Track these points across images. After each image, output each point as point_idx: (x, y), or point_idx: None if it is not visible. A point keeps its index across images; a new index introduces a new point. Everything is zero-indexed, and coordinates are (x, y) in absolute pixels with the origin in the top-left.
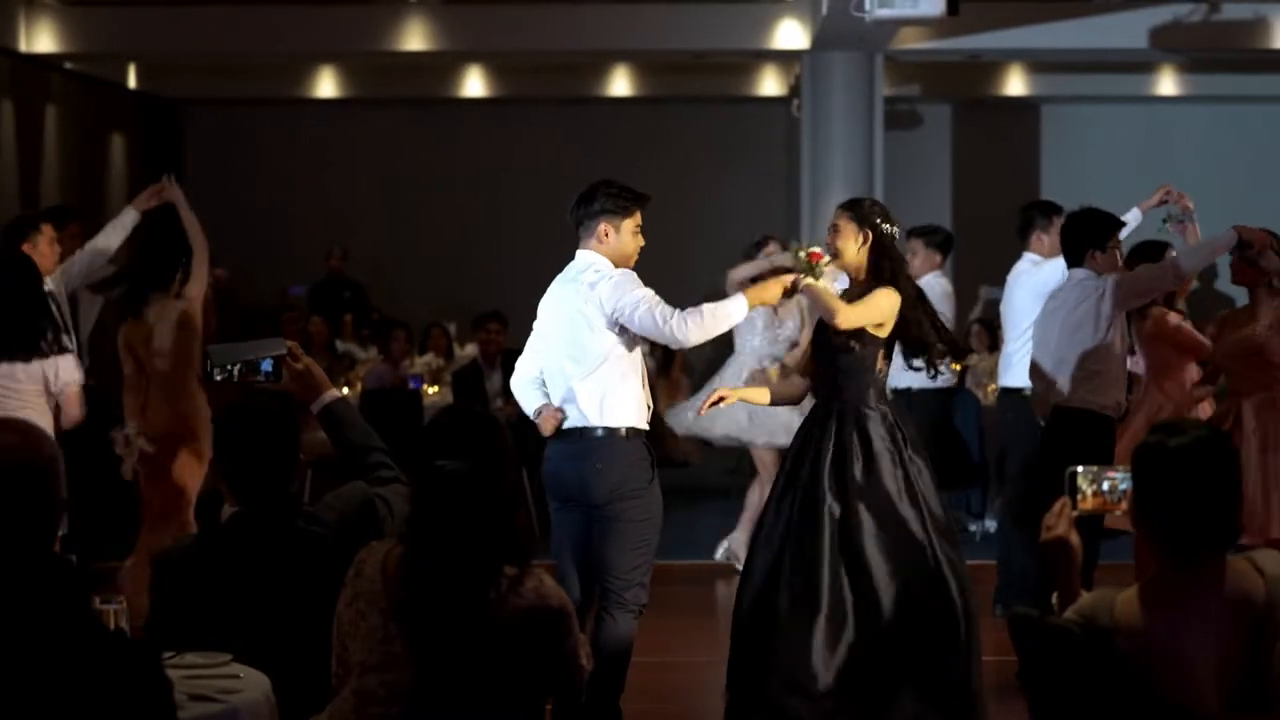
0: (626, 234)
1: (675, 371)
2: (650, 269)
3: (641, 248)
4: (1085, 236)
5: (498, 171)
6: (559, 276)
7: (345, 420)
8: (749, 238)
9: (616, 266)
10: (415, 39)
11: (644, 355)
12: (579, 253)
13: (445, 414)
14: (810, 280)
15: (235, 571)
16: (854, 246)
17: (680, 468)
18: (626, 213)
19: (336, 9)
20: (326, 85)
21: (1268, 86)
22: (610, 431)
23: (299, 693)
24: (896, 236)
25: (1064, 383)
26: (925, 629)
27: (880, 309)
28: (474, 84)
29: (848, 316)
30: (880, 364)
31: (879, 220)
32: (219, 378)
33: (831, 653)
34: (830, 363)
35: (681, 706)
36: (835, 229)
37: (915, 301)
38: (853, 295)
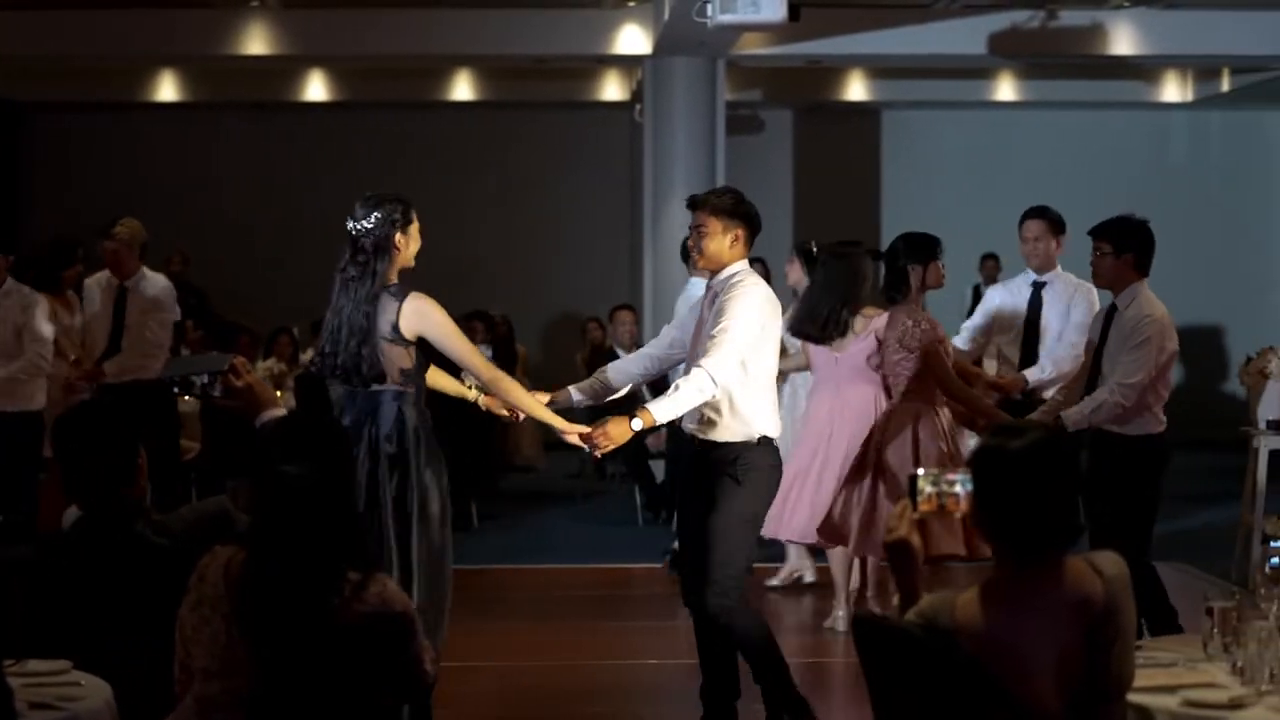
0: None
1: (517, 374)
2: (493, 272)
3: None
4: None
5: (340, 175)
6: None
7: None
8: (592, 242)
9: None
10: (256, 43)
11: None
12: None
13: (286, 419)
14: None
15: (75, 577)
16: None
17: (524, 473)
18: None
19: (177, 12)
20: (167, 89)
21: (1104, 92)
22: None
23: (140, 700)
24: None
25: None
26: None
27: None
28: (316, 88)
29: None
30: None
31: None
32: (175, 391)
33: None
34: None
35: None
36: None
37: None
38: None
